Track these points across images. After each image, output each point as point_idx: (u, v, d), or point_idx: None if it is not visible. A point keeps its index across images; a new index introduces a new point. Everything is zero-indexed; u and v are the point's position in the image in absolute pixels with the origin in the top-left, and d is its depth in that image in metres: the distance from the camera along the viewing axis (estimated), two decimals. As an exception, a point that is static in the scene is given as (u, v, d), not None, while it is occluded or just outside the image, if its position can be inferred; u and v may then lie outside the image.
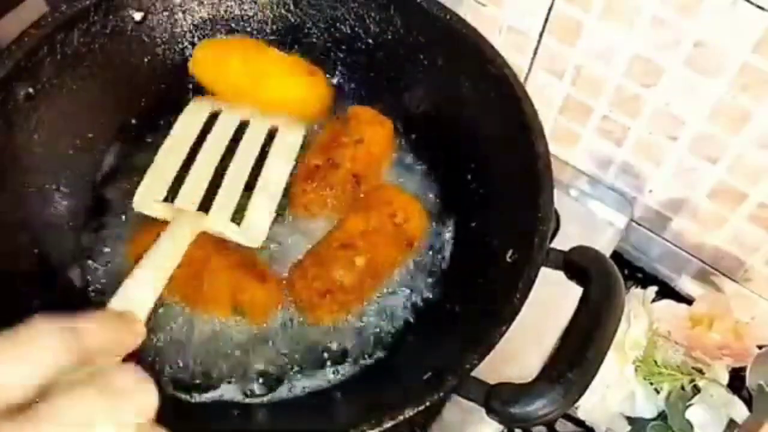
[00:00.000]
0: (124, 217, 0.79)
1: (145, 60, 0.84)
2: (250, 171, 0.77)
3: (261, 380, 0.71)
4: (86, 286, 0.75)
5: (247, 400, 0.70)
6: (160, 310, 0.73)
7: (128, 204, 0.77)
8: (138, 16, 0.81)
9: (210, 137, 0.79)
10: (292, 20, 0.87)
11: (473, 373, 0.59)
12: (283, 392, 0.71)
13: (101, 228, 0.79)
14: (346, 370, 0.72)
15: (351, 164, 0.79)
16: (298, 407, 0.70)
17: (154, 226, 0.73)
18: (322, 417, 0.68)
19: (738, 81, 0.79)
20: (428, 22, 0.79)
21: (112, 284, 0.74)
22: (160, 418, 0.43)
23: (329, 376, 0.72)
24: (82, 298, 0.75)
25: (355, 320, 0.74)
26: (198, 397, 0.70)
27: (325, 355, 0.73)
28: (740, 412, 0.88)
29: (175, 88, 0.86)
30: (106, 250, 0.77)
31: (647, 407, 0.91)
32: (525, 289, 0.62)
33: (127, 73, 0.82)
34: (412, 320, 0.75)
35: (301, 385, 0.71)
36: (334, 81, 0.89)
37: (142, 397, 0.42)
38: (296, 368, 0.72)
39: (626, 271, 1.10)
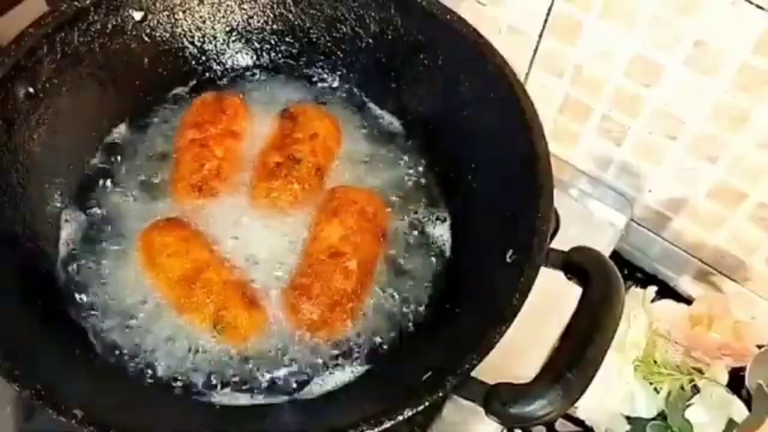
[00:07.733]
0: (121, 216, 0.78)
1: (145, 60, 0.84)
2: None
3: (265, 387, 0.71)
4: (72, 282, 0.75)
5: (250, 402, 0.71)
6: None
7: (126, 202, 0.77)
8: (138, 15, 0.81)
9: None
10: (292, 20, 0.87)
11: (473, 373, 0.59)
12: (282, 396, 0.71)
13: (97, 226, 0.78)
14: (346, 371, 0.72)
15: (313, 158, 0.80)
16: (298, 409, 0.70)
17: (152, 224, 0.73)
18: (322, 418, 0.68)
19: (738, 81, 0.79)
20: (428, 22, 0.79)
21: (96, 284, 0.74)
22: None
23: (330, 378, 0.72)
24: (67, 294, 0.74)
25: (356, 323, 0.74)
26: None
27: (325, 359, 0.73)
28: (739, 411, 0.88)
29: (175, 87, 0.86)
30: (99, 248, 0.77)
31: (647, 407, 0.91)
32: (525, 289, 0.62)
33: (126, 73, 0.82)
34: (412, 321, 0.75)
35: (302, 389, 0.71)
36: (334, 81, 0.90)
37: None
38: (296, 373, 0.72)
39: (626, 271, 1.10)
